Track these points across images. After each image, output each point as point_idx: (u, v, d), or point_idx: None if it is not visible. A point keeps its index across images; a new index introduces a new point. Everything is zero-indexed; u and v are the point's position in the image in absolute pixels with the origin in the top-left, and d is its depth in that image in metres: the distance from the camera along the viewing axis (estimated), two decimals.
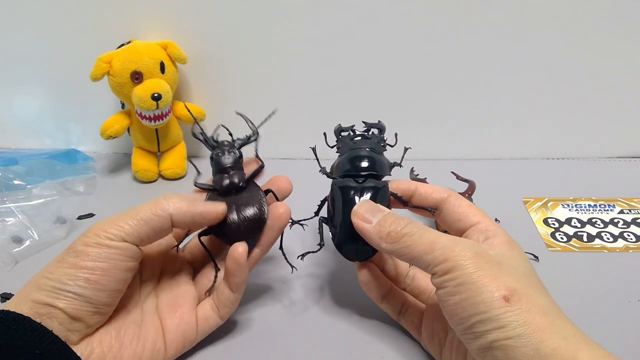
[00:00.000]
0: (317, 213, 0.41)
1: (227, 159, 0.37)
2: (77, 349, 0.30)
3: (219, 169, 0.37)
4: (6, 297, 0.42)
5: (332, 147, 0.41)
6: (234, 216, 0.35)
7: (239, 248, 0.35)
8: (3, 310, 0.30)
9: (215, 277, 0.37)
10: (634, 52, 0.57)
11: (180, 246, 0.40)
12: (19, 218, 0.49)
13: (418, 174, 0.53)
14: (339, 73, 0.60)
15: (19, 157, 0.57)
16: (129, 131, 0.60)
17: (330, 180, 0.39)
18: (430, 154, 0.63)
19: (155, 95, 0.54)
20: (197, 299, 0.37)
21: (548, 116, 0.61)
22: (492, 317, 0.27)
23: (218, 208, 0.35)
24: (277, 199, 0.38)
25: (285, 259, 0.39)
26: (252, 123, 0.39)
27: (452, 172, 0.55)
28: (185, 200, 0.34)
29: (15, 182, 0.54)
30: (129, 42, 0.57)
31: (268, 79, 0.61)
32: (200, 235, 0.37)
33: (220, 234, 0.36)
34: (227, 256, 0.35)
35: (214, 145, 0.38)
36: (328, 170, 0.39)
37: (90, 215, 0.53)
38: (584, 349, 0.26)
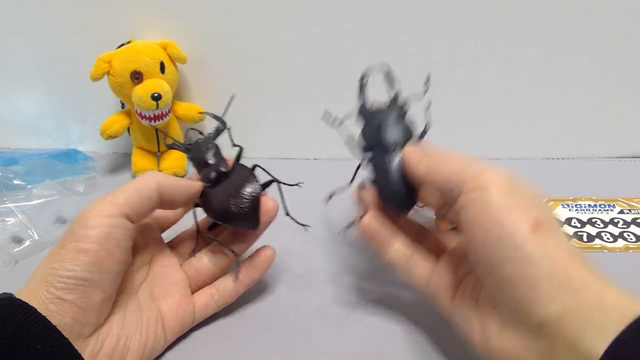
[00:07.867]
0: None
1: (203, 154, 0.38)
2: (89, 342, 0.30)
3: (200, 165, 0.38)
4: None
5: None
6: (233, 200, 0.37)
7: (267, 250, 0.39)
8: (11, 297, 0.29)
9: (238, 258, 0.39)
10: (635, 52, 0.57)
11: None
12: (19, 218, 0.50)
13: None
14: (340, 73, 0.60)
15: (19, 157, 0.57)
16: (128, 131, 0.60)
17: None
18: None
19: (155, 95, 0.54)
20: (188, 285, 0.38)
21: (548, 116, 0.61)
22: (515, 244, 0.26)
23: (196, 183, 0.37)
24: (269, 174, 0.40)
25: (296, 221, 0.40)
26: (216, 116, 0.41)
27: None
28: (168, 175, 0.36)
29: (15, 182, 0.54)
30: (129, 42, 0.57)
31: (268, 79, 0.61)
32: (209, 229, 0.39)
33: (227, 220, 0.37)
34: (255, 254, 0.39)
35: (189, 147, 0.40)
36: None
37: None
38: (609, 289, 0.26)
